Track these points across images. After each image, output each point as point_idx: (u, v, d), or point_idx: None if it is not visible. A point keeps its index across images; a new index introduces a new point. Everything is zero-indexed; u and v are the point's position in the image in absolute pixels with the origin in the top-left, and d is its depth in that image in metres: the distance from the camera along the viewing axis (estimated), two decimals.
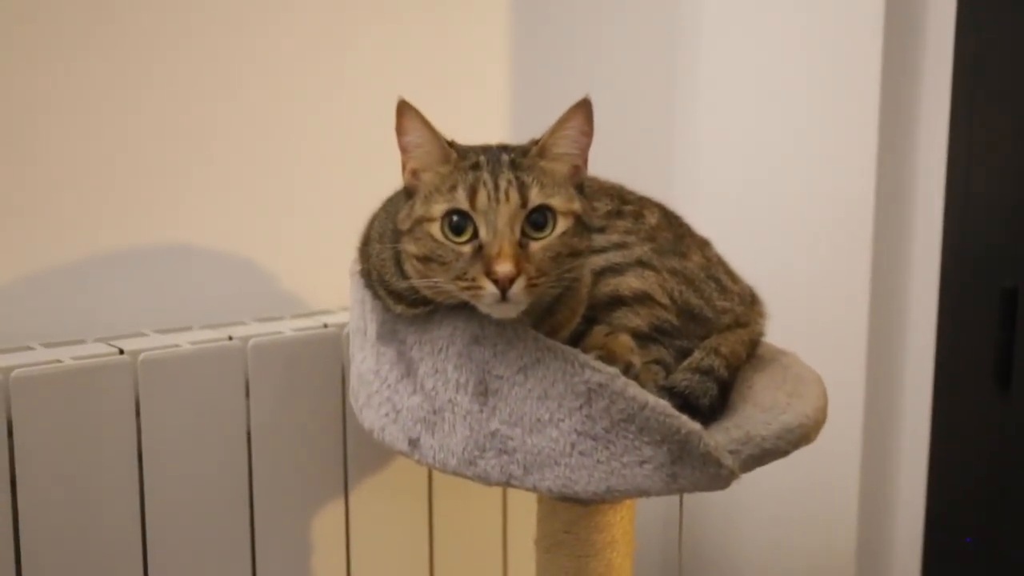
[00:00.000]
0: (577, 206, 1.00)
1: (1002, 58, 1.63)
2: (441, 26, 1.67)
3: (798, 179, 1.83)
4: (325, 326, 1.40)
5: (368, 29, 1.58)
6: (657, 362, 1.12)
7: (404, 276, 1.05)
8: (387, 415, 1.11)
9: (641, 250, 1.17)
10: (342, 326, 1.39)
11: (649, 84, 1.98)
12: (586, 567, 1.15)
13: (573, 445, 1.00)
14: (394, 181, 1.08)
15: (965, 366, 1.70)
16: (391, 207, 1.11)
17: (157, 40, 1.38)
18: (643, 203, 1.25)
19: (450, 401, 1.05)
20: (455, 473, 1.05)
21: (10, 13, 1.26)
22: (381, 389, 1.11)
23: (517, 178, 0.97)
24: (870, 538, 1.82)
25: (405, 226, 1.01)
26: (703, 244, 1.27)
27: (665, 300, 1.15)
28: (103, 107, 1.34)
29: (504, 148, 1.02)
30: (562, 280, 1.00)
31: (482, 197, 0.96)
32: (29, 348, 1.24)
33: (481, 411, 1.03)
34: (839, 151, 1.77)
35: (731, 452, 1.00)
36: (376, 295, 1.12)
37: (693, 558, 2.04)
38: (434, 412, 1.06)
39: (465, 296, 0.97)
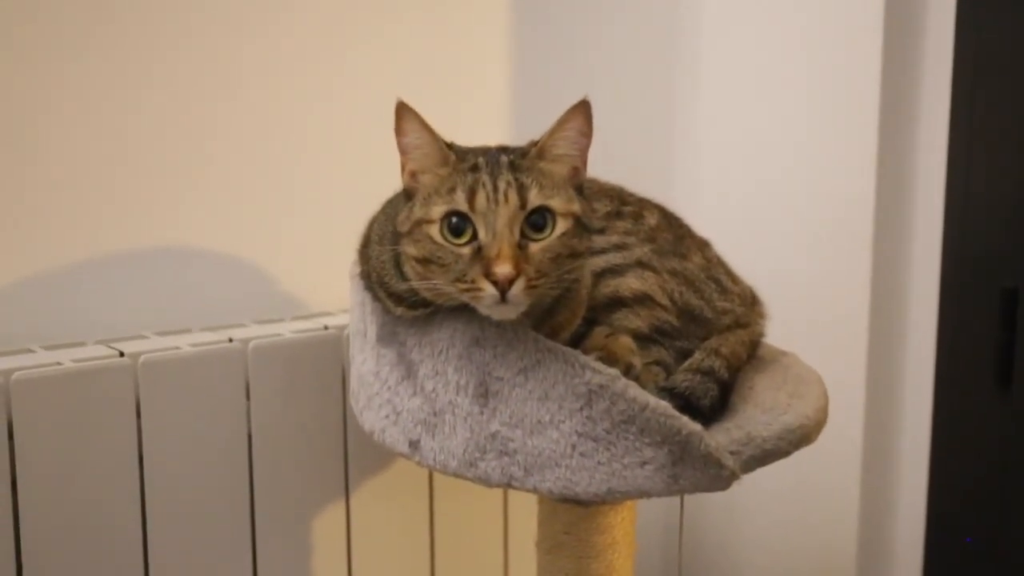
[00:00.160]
0: (576, 207, 1.00)
1: (1002, 58, 1.63)
2: (441, 26, 1.67)
3: (798, 179, 1.83)
4: (325, 328, 1.40)
5: (368, 29, 1.58)
6: (658, 363, 1.12)
7: (404, 278, 1.05)
8: (387, 417, 1.10)
9: (641, 251, 1.17)
10: (342, 328, 1.39)
11: (649, 84, 1.98)
12: (587, 568, 1.15)
13: (574, 446, 1.00)
14: (394, 183, 1.08)
15: (965, 366, 1.70)
16: (391, 209, 1.11)
17: (157, 40, 1.38)
18: (643, 204, 1.25)
19: (450, 403, 1.05)
20: (455, 475, 1.05)
21: (10, 13, 1.26)
22: (381, 391, 1.11)
23: (516, 179, 0.97)
24: (871, 538, 1.82)
25: (404, 228, 1.01)
26: (703, 245, 1.27)
27: (665, 301, 1.15)
28: (103, 107, 1.34)
29: (503, 149, 1.02)
30: (562, 281, 1.00)
31: (481, 199, 0.96)
32: (29, 350, 1.24)
33: (481, 413, 1.03)
34: (839, 151, 1.76)
35: (732, 453, 1.00)
36: (376, 297, 1.12)
37: (694, 559, 2.04)
38: (434, 414, 1.06)
39: (465, 298, 0.97)
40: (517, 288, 0.94)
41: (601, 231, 1.17)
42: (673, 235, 1.23)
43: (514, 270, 0.93)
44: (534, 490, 1.02)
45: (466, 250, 0.96)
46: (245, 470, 1.32)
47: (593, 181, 1.19)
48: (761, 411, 1.10)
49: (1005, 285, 1.62)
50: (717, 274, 1.23)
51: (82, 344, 1.28)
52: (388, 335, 1.11)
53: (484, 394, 1.03)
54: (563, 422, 1.00)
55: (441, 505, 1.51)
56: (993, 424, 1.67)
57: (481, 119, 1.73)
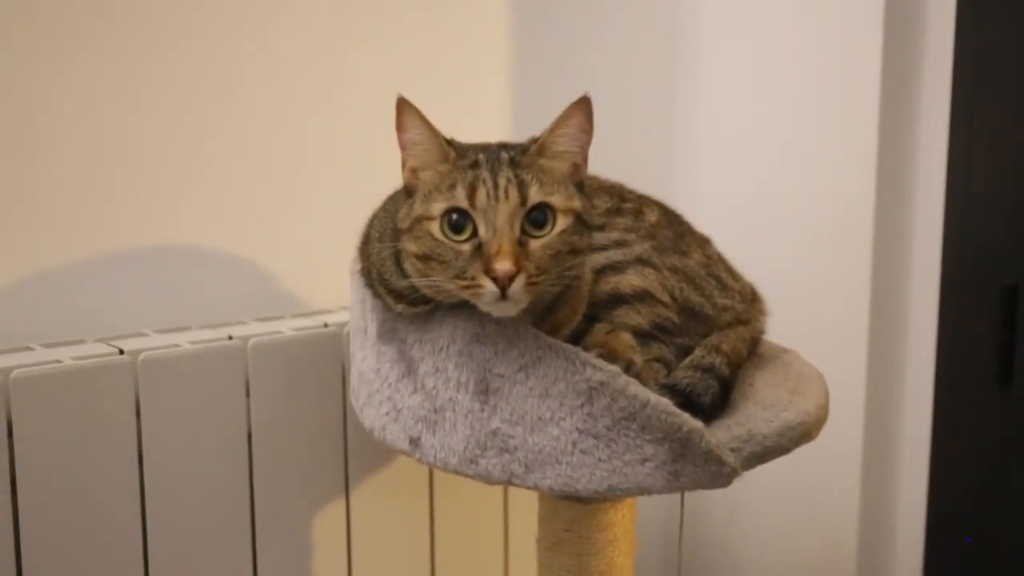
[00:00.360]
0: (577, 204, 1.00)
1: (1002, 58, 1.63)
2: (441, 26, 1.67)
3: (798, 179, 1.83)
4: (325, 325, 1.40)
5: (368, 29, 1.58)
6: (658, 360, 1.12)
7: (404, 275, 1.05)
8: (388, 414, 1.10)
9: (641, 248, 1.17)
10: (342, 325, 1.39)
11: (649, 84, 1.98)
12: (587, 565, 1.15)
13: (574, 443, 1.00)
14: (394, 180, 1.08)
15: (966, 364, 1.70)
16: (391, 206, 1.11)
17: (157, 40, 1.38)
18: (643, 201, 1.25)
19: (451, 400, 1.05)
20: (456, 472, 1.05)
21: (10, 13, 1.26)
22: (382, 388, 1.11)
23: (516, 176, 0.97)
24: (871, 537, 1.82)
25: (405, 225, 1.01)
26: (703, 242, 1.27)
27: (666, 298, 1.15)
28: (103, 107, 1.34)
29: (503, 146, 1.02)
30: (562, 278, 1.00)
31: (481, 195, 0.96)
32: (29, 348, 1.24)
33: (482, 410, 1.03)
34: (839, 151, 1.76)
35: (733, 450, 1.00)
36: (376, 294, 1.12)
37: (694, 556, 2.04)
38: (435, 411, 1.06)
39: (465, 295, 0.97)
40: (517, 285, 0.94)
41: (601, 228, 1.17)
42: (673, 232, 1.23)
43: (514, 267, 0.93)
44: (534, 487, 1.02)
45: (466, 247, 0.96)
46: (245, 468, 1.32)
47: (593, 178, 1.19)
48: (762, 408, 1.10)
49: (1005, 283, 1.62)
50: (717, 271, 1.23)
51: (82, 342, 1.28)
52: (388, 332, 1.11)
53: (485, 391, 1.03)
54: (564, 419, 1.00)
55: (441, 502, 1.51)
56: (993, 423, 1.67)
57: (481, 119, 1.73)
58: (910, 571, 1.81)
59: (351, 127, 1.56)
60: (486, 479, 1.04)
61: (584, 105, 0.99)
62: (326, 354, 1.38)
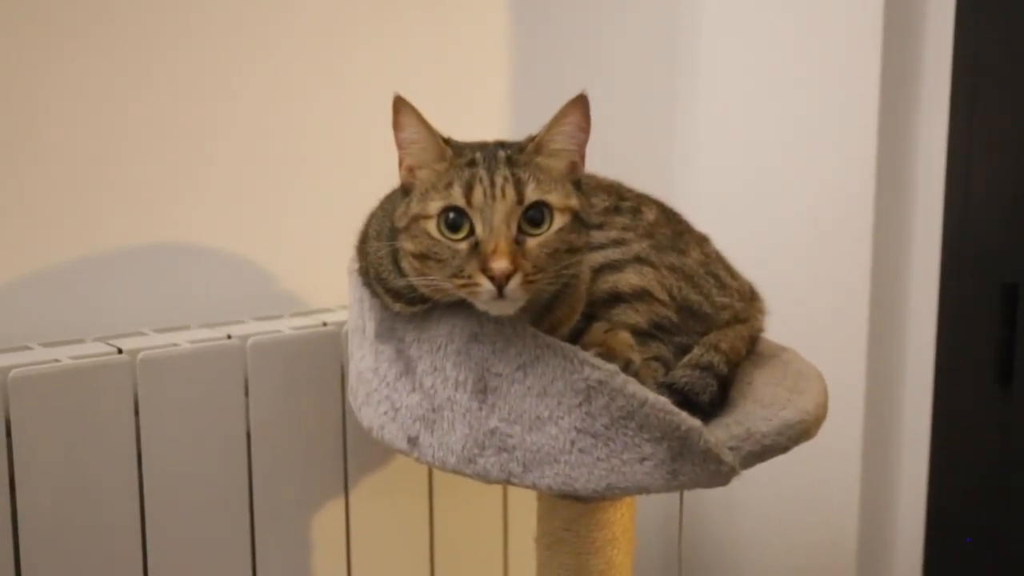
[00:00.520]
0: (574, 202, 1.00)
1: (1002, 58, 1.63)
2: (441, 26, 1.67)
3: (798, 178, 1.83)
4: (324, 324, 1.40)
5: (368, 29, 1.58)
6: (656, 359, 1.12)
7: (402, 274, 1.05)
8: (386, 413, 1.10)
9: (639, 246, 1.17)
10: (341, 324, 1.39)
11: (649, 83, 1.98)
12: (586, 564, 1.15)
13: (573, 442, 1.00)
14: (392, 179, 1.08)
15: (966, 363, 1.69)
16: (388, 205, 1.11)
17: (157, 40, 1.38)
18: (641, 199, 1.25)
19: (449, 399, 1.05)
20: (454, 471, 1.05)
21: (10, 13, 1.26)
22: (380, 387, 1.11)
23: (513, 174, 0.97)
24: (871, 536, 1.82)
25: (402, 224, 1.01)
26: (701, 240, 1.27)
27: (664, 296, 1.15)
28: (103, 107, 1.35)
29: (500, 145, 1.02)
30: (560, 277, 1.00)
31: (478, 194, 0.96)
32: (27, 348, 1.24)
33: (480, 409, 1.03)
34: (839, 150, 1.76)
35: (731, 448, 1.00)
36: (374, 293, 1.12)
37: (693, 555, 2.04)
38: (433, 410, 1.06)
39: (462, 293, 0.97)
40: (514, 284, 0.94)
41: (599, 226, 1.17)
42: (671, 230, 1.23)
43: (511, 265, 0.93)
44: (533, 486, 1.02)
45: (463, 245, 0.96)
46: (244, 467, 1.32)
47: (591, 176, 1.19)
48: (760, 407, 1.10)
49: (1005, 281, 1.62)
50: (716, 269, 1.23)
51: (80, 341, 1.28)
52: (386, 331, 1.10)
53: (483, 390, 1.03)
54: (562, 418, 1.00)
55: (440, 501, 1.51)
56: (993, 422, 1.66)
57: (481, 119, 1.73)
58: (910, 571, 1.81)
59: (350, 126, 1.56)
60: (484, 478, 1.04)
61: (581, 103, 0.99)
62: (325, 353, 1.38)
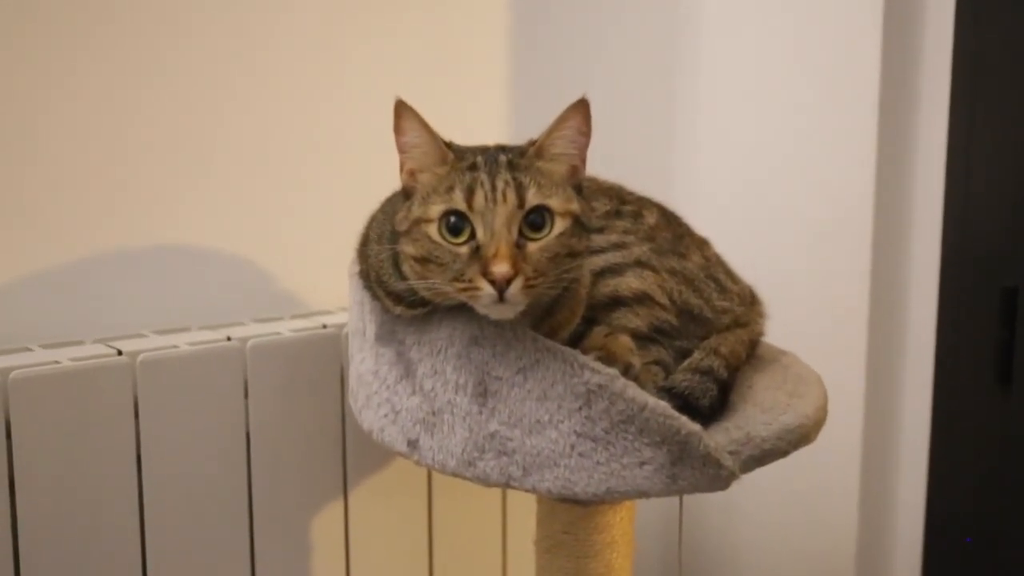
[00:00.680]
0: (575, 206, 1.00)
1: (1002, 58, 1.63)
2: (441, 26, 1.67)
3: (798, 179, 1.83)
4: (324, 327, 1.40)
5: (368, 29, 1.58)
6: (657, 363, 1.12)
7: (402, 277, 1.05)
8: (386, 416, 1.10)
9: (640, 250, 1.16)
10: (341, 327, 1.39)
11: (649, 84, 1.98)
12: (586, 568, 1.15)
13: (572, 446, 1.00)
14: (393, 182, 1.08)
15: (965, 366, 1.69)
16: (389, 208, 1.11)
17: (157, 40, 1.38)
18: (642, 203, 1.25)
19: (449, 402, 1.04)
20: (454, 474, 1.05)
21: (10, 13, 1.26)
22: (380, 390, 1.11)
23: (514, 179, 0.97)
24: (870, 539, 1.82)
25: (403, 227, 1.01)
26: (702, 244, 1.27)
27: (664, 300, 1.15)
28: (103, 107, 1.34)
29: (501, 149, 1.02)
30: (560, 281, 1.00)
31: (479, 198, 0.96)
32: (27, 349, 1.24)
33: (480, 412, 1.03)
34: (839, 151, 1.76)
35: (731, 453, 1.00)
36: (375, 296, 1.12)
37: (693, 559, 2.04)
38: (433, 413, 1.06)
39: (463, 297, 0.97)
40: (515, 287, 0.94)
41: (600, 230, 1.17)
42: (672, 234, 1.22)
43: (512, 269, 0.93)
44: (533, 490, 1.02)
45: (464, 249, 0.96)
46: (243, 469, 1.32)
47: (592, 180, 1.19)
48: (760, 411, 1.10)
49: (1005, 284, 1.62)
50: (716, 273, 1.23)
51: (80, 343, 1.28)
52: (387, 334, 1.10)
53: (483, 393, 1.03)
54: (562, 422, 1.00)
55: (440, 504, 1.51)
56: (993, 424, 1.66)
57: (481, 119, 1.73)
58: (910, 571, 1.81)
59: (350, 128, 1.56)
60: (484, 481, 1.04)
61: (582, 107, 0.99)
62: (325, 355, 1.38)
